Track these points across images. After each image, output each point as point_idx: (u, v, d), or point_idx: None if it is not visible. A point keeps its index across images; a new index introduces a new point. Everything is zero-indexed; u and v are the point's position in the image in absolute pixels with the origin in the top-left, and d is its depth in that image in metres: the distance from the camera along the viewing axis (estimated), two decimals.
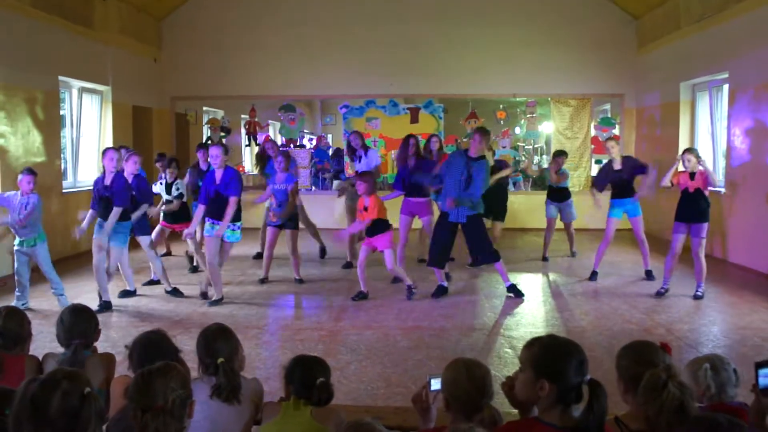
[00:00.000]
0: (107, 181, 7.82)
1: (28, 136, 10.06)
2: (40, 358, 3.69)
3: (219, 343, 3.30)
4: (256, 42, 14.53)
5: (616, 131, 14.33)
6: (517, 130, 15.68)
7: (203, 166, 9.99)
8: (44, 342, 5.68)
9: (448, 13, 14.33)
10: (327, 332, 6.82)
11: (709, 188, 8.13)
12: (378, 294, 8.33)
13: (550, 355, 2.61)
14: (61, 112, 11.36)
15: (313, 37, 14.45)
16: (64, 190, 11.08)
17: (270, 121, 15.98)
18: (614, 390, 2.87)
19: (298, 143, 15.14)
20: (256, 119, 15.04)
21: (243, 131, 15.60)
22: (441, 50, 14.39)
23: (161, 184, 9.62)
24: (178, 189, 9.57)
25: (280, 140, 15.14)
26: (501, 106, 14.97)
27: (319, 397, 3.13)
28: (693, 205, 8.06)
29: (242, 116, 15.71)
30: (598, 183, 9.46)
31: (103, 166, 7.98)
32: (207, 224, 8.05)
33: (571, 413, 2.55)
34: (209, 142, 15.13)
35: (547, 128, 16.25)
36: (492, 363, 5.78)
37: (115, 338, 6.42)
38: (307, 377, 3.17)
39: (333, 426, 3.03)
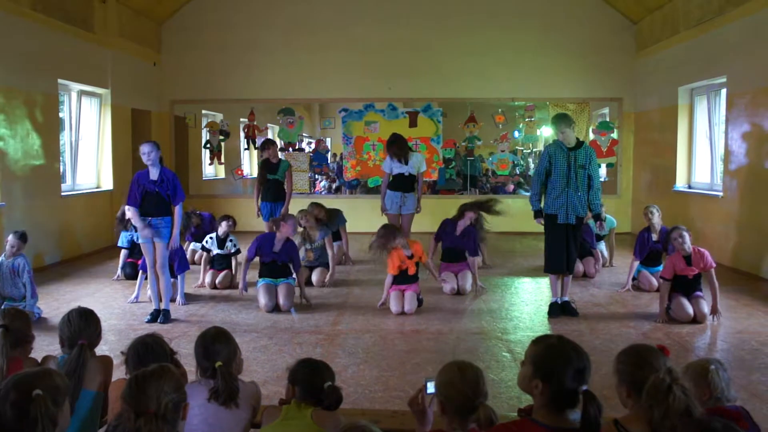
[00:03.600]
0: (153, 176, 7.27)
1: (27, 139, 10.06)
2: (41, 359, 3.72)
3: (217, 346, 3.31)
4: (255, 45, 14.56)
5: (614, 135, 14.36)
6: (516, 134, 15.70)
7: (274, 161, 10.06)
8: (41, 345, 5.69)
9: (447, 17, 14.38)
10: (325, 336, 6.82)
11: (712, 268, 7.25)
12: (377, 298, 8.27)
13: (549, 356, 2.68)
14: (60, 115, 11.37)
15: (312, 40, 14.49)
16: (62, 193, 11.08)
17: (269, 125, 15.98)
18: (612, 393, 2.88)
19: (297, 147, 15.15)
20: (255, 122, 15.06)
21: (242, 134, 15.60)
22: (440, 54, 14.44)
23: (212, 239, 9.31)
24: (233, 243, 9.36)
25: (279, 143, 15.17)
26: (500, 110, 14.98)
27: (328, 401, 3.14)
28: (691, 286, 7.38)
29: (241, 119, 15.71)
30: (638, 253, 8.72)
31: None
32: None
33: (566, 416, 2.59)
34: (208, 145, 15.17)
35: (545, 132, 16.26)
36: (490, 367, 5.78)
37: (113, 341, 6.43)
38: (314, 380, 3.18)
39: (332, 429, 3.03)
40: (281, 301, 7.85)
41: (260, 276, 8.14)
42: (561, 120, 7.50)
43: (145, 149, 7.26)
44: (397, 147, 9.60)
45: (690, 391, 2.53)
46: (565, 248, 7.46)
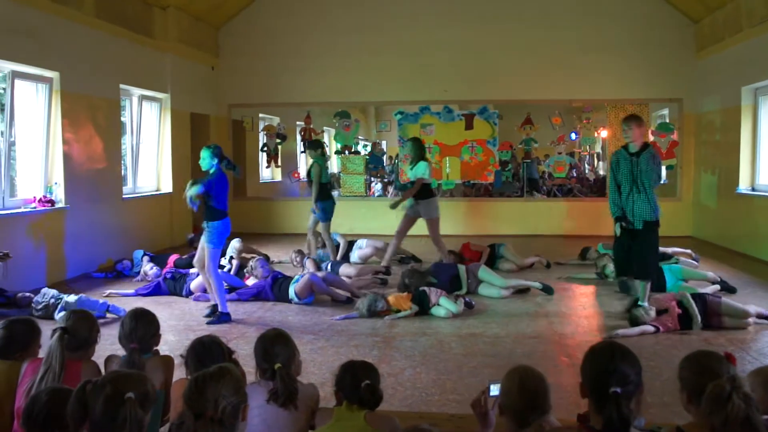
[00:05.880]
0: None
1: (90, 143, 10.30)
2: (104, 359, 3.80)
3: (276, 348, 3.35)
4: (311, 49, 14.64)
5: (674, 137, 14.09)
6: (573, 135, 15.52)
7: None
8: (105, 344, 5.80)
9: (502, 18, 14.24)
10: (382, 338, 6.83)
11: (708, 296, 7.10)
12: None
13: (587, 360, 2.66)
14: (122, 119, 11.61)
15: (367, 44, 14.52)
16: (124, 196, 11.31)
17: (325, 128, 16.09)
18: (674, 399, 2.82)
19: (353, 149, 15.21)
20: (312, 126, 15.17)
21: (298, 138, 15.74)
22: (496, 56, 14.33)
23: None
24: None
25: (335, 146, 15.32)
26: (556, 111, 14.82)
27: (365, 399, 3.14)
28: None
29: (297, 123, 15.85)
30: None
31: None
32: None
33: None
34: (265, 148, 15.32)
35: (603, 134, 16.03)
36: (548, 371, 5.70)
37: (172, 341, 6.52)
38: (353, 381, 3.20)
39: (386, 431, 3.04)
40: (334, 295, 8.33)
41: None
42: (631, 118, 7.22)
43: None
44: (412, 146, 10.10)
45: (753, 400, 2.46)
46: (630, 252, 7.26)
